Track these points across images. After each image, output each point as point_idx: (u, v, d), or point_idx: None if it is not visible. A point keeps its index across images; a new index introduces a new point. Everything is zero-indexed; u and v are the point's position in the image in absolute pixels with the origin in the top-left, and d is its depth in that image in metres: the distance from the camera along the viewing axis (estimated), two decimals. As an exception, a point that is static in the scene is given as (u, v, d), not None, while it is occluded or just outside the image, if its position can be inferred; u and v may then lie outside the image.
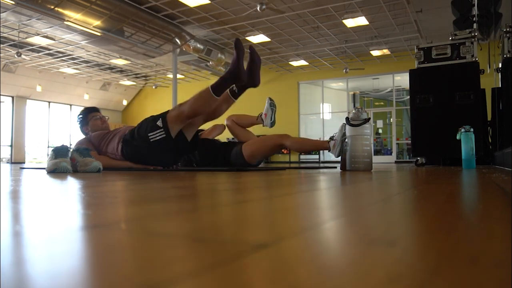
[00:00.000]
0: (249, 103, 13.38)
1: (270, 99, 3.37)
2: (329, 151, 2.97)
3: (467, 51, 4.43)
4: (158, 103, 16.52)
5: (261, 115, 3.36)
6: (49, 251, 0.32)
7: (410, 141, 14.13)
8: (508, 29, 3.95)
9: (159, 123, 2.63)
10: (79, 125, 3.19)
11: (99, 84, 15.79)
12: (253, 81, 2.59)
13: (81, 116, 3.19)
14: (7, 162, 12.18)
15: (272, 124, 3.31)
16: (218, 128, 3.60)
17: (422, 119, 4.62)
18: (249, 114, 3.47)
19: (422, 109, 4.58)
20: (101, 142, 2.93)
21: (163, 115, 2.67)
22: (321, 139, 14.39)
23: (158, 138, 2.62)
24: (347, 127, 2.68)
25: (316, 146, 3.41)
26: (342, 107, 14.31)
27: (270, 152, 3.29)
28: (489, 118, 4.88)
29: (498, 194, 0.88)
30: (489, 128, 4.78)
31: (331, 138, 2.94)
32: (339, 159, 2.85)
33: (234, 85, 2.65)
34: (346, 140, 2.68)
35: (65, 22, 7.93)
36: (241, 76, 2.48)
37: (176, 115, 2.62)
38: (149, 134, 2.63)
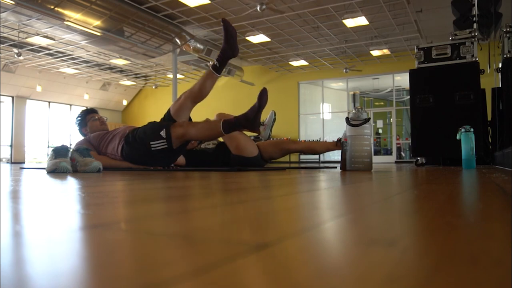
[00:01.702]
0: (248, 101, 13.40)
1: (275, 114, 3.32)
2: (258, 134, 3.06)
3: (467, 51, 4.43)
4: (158, 103, 16.51)
5: (262, 123, 3.24)
6: (49, 251, 0.32)
7: (398, 142, 14.25)
8: (508, 29, 3.96)
9: (163, 133, 2.62)
10: (78, 127, 3.19)
11: (99, 84, 15.80)
12: (233, 51, 2.70)
13: (79, 118, 3.19)
14: (7, 162, 12.18)
15: (268, 138, 3.30)
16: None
17: (422, 119, 4.62)
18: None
19: (422, 109, 4.58)
20: (101, 143, 2.93)
21: (168, 127, 2.64)
22: (320, 139, 14.35)
23: (159, 148, 2.64)
24: (347, 127, 2.68)
25: None
26: (342, 107, 14.31)
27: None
28: (489, 118, 4.87)
29: (498, 194, 0.88)
30: (489, 128, 4.78)
31: (261, 123, 3.11)
32: (339, 159, 2.85)
33: (216, 61, 2.75)
34: (346, 140, 2.69)
35: (65, 22, 7.93)
36: (254, 125, 2.56)
37: (181, 134, 2.63)
38: (151, 143, 2.63)
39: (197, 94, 2.79)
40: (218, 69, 2.75)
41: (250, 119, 2.52)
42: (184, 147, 2.80)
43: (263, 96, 2.55)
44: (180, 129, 2.64)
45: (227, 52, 2.71)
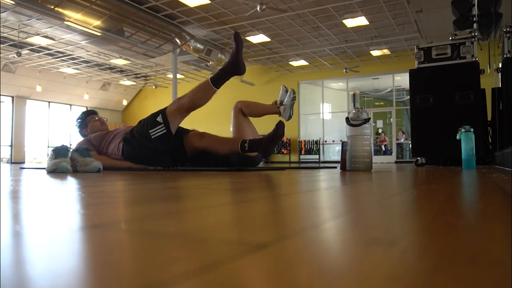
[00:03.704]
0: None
1: (294, 92, 3.19)
2: (279, 116, 3.03)
3: (467, 51, 4.44)
4: (158, 103, 16.49)
5: (276, 103, 3.15)
6: (49, 251, 0.32)
7: (383, 139, 14.18)
8: (508, 29, 3.95)
9: (159, 119, 2.67)
10: (78, 128, 3.19)
11: (99, 84, 15.80)
12: (239, 68, 2.61)
13: (79, 119, 3.20)
14: (7, 162, 12.18)
15: (290, 117, 3.15)
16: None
17: (422, 119, 4.62)
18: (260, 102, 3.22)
19: (422, 109, 4.58)
20: (102, 143, 2.93)
21: (163, 111, 2.70)
22: (320, 139, 14.19)
23: (159, 134, 2.65)
24: (347, 127, 2.68)
25: (267, 110, 3.20)
26: (342, 107, 14.31)
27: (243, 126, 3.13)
28: (489, 118, 4.87)
29: (498, 194, 0.88)
30: (489, 128, 4.78)
31: (281, 104, 3.04)
32: (339, 159, 2.86)
33: (218, 73, 2.69)
34: (346, 140, 2.69)
35: (65, 22, 7.93)
36: (241, 67, 2.55)
37: (175, 108, 2.67)
38: (150, 131, 2.66)
39: (187, 107, 2.70)
40: (217, 82, 2.65)
41: (236, 64, 2.54)
42: (181, 137, 2.78)
43: (237, 38, 2.53)
44: (173, 105, 2.70)
45: (233, 68, 2.60)
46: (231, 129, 3.15)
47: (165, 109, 2.72)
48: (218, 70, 2.65)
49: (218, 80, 2.61)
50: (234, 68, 2.58)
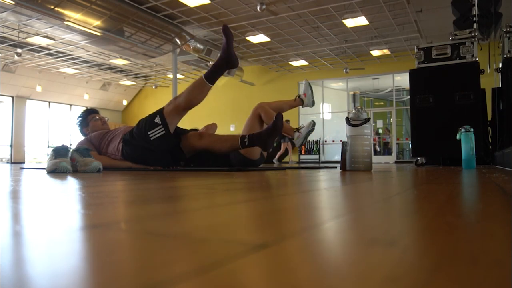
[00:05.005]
0: (248, 102, 13.39)
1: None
2: (291, 138, 3.12)
3: (467, 51, 4.44)
4: (158, 103, 16.44)
5: (299, 96, 3.31)
6: (49, 251, 0.32)
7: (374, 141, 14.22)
8: (508, 29, 3.96)
9: (157, 119, 2.67)
10: (79, 127, 3.20)
11: (99, 84, 15.79)
12: (232, 62, 2.58)
13: (80, 118, 3.20)
14: (7, 162, 12.18)
15: (313, 104, 3.26)
16: (212, 128, 3.53)
17: (422, 119, 4.62)
18: (281, 100, 3.32)
19: (422, 109, 4.58)
20: (101, 142, 2.94)
21: (160, 112, 2.70)
22: (320, 139, 14.20)
23: (158, 135, 2.65)
24: (347, 127, 2.68)
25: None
26: (342, 107, 14.31)
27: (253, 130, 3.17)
28: (489, 118, 4.88)
29: (498, 194, 0.88)
30: (489, 128, 4.78)
31: (297, 130, 3.11)
32: (339, 159, 2.86)
33: (210, 69, 2.67)
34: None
35: (65, 22, 7.92)
36: (233, 61, 2.54)
37: (172, 109, 2.67)
38: (149, 132, 2.66)
39: (184, 107, 2.70)
40: (211, 78, 2.64)
41: (227, 58, 2.52)
42: (179, 134, 2.79)
43: (227, 31, 2.50)
44: (169, 106, 2.70)
45: (225, 62, 2.58)
46: (244, 128, 3.18)
47: (162, 109, 2.72)
48: (211, 66, 2.65)
49: (211, 75, 2.61)
50: (226, 62, 2.56)
